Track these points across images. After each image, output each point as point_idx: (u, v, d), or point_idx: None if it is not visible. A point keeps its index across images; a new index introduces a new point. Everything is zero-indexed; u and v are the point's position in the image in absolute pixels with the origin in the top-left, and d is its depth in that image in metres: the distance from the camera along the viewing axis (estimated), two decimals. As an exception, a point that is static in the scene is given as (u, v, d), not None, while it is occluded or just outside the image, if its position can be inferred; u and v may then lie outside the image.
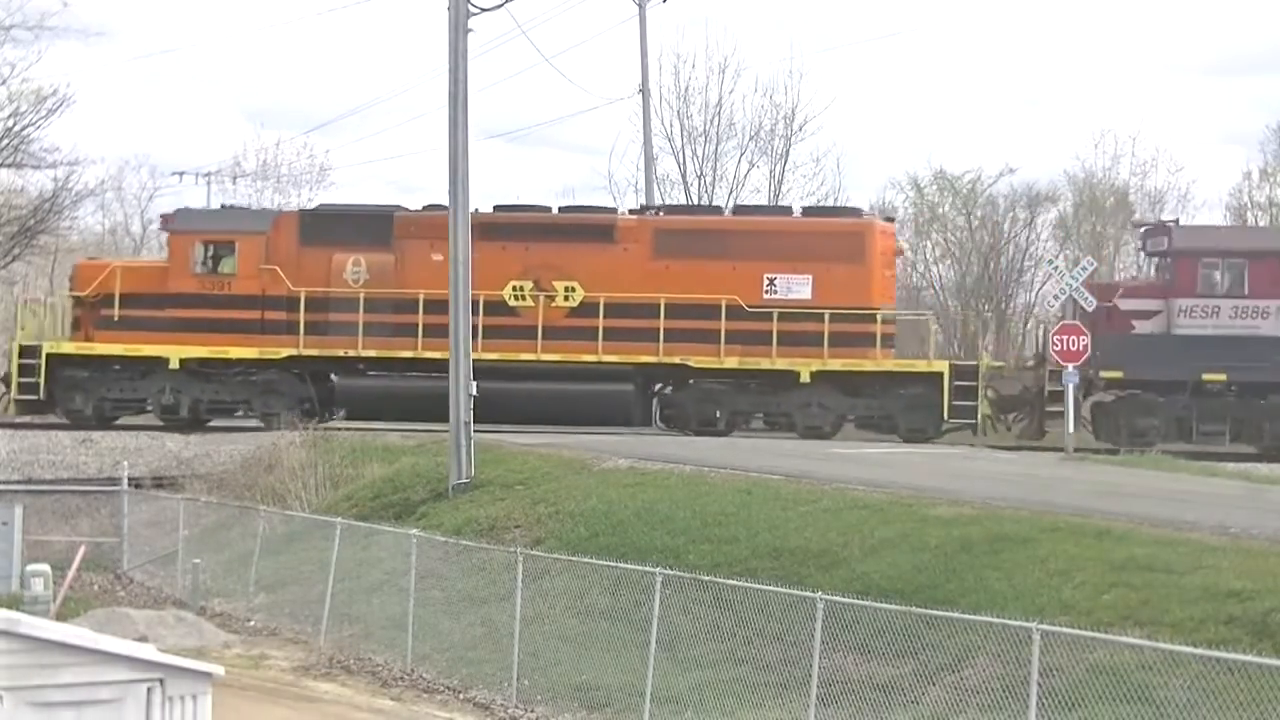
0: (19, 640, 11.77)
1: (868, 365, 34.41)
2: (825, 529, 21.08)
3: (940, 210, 58.17)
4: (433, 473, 28.44)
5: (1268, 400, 33.76)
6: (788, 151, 56.59)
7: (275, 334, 35.36)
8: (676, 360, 34.57)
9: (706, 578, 18.96)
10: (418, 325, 34.82)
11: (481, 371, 34.52)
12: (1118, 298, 34.47)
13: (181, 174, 63.22)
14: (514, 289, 34.94)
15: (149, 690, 12.18)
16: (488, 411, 34.07)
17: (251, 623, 25.29)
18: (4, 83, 51.81)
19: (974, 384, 34.23)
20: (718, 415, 35.02)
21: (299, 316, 35.19)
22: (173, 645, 20.44)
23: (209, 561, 27.92)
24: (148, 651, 12.69)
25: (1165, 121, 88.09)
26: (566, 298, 34.95)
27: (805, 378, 34.29)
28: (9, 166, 53.56)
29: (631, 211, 36.94)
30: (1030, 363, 36.42)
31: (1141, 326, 34.17)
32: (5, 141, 52.98)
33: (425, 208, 38.03)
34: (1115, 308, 34.15)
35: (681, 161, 55.95)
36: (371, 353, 35.22)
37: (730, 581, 18.64)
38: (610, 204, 45.95)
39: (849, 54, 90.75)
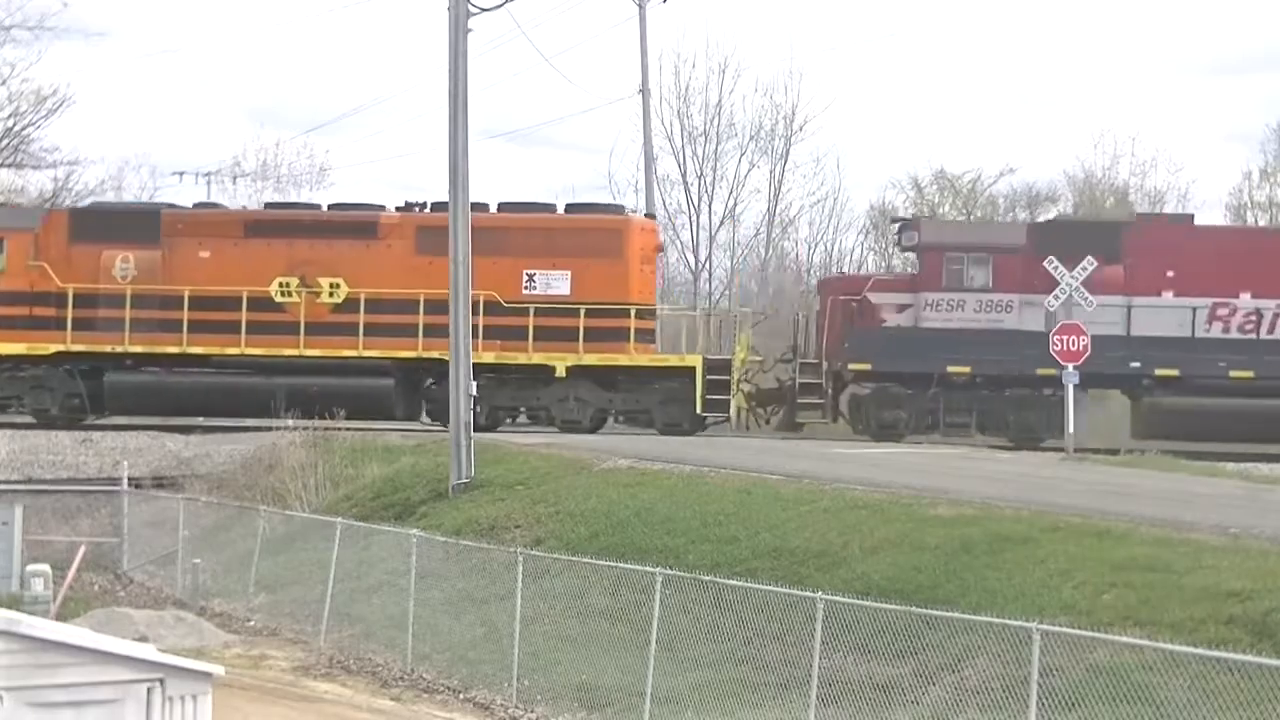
0: (19, 640, 11.77)
1: (622, 360, 34.89)
2: (825, 529, 21.08)
3: (940, 210, 58.23)
4: (433, 473, 28.45)
5: (1011, 392, 34.35)
6: (788, 151, 56.75)
7: (44, 330, 35.54)
8: (436, 355, 34.59)
9: (706, 578, 18.95)
10: (183, 321, 35.21)
11: (246, 366, 35.18)
12: (867, 291, 35.11)
13: (181, 174, 63.33)
14: (280, 285, 35.37)
15: (149, 690, 12.19)
16: (253, 405, 34.84)
17: (251, 623, 25.30)
18: (4, 83, 51.95)
19: (727, 378, 34.71)
20: (478, 410, 35.20)
21: (67, 313, 35.36)
22: (173, 645, 20.45)
23: (209, 561, 27.94)
24: (148, 651, 12.70)
25: (1165, 121, 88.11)
26: (331, 294, 35.38)
27: (561, 372, 34.80)
28: (9, 166, 53.66)
29: (397, 209, 37.44)
30: (785, 356, 36.80)
31: (892, 320, 34.76)
32: (5, 141, 53.06)
33: (195, 205, 38.72)
34: (867, 301, 34.78)
35: (681, 161, 56.07)
36: (138, 348, 35.47)
37: (730, 581, 18.63)
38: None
39: (849, 54, 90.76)
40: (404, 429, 35.21)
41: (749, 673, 18.02)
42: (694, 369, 34.73)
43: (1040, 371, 33.88)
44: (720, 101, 56.05)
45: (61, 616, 23.80)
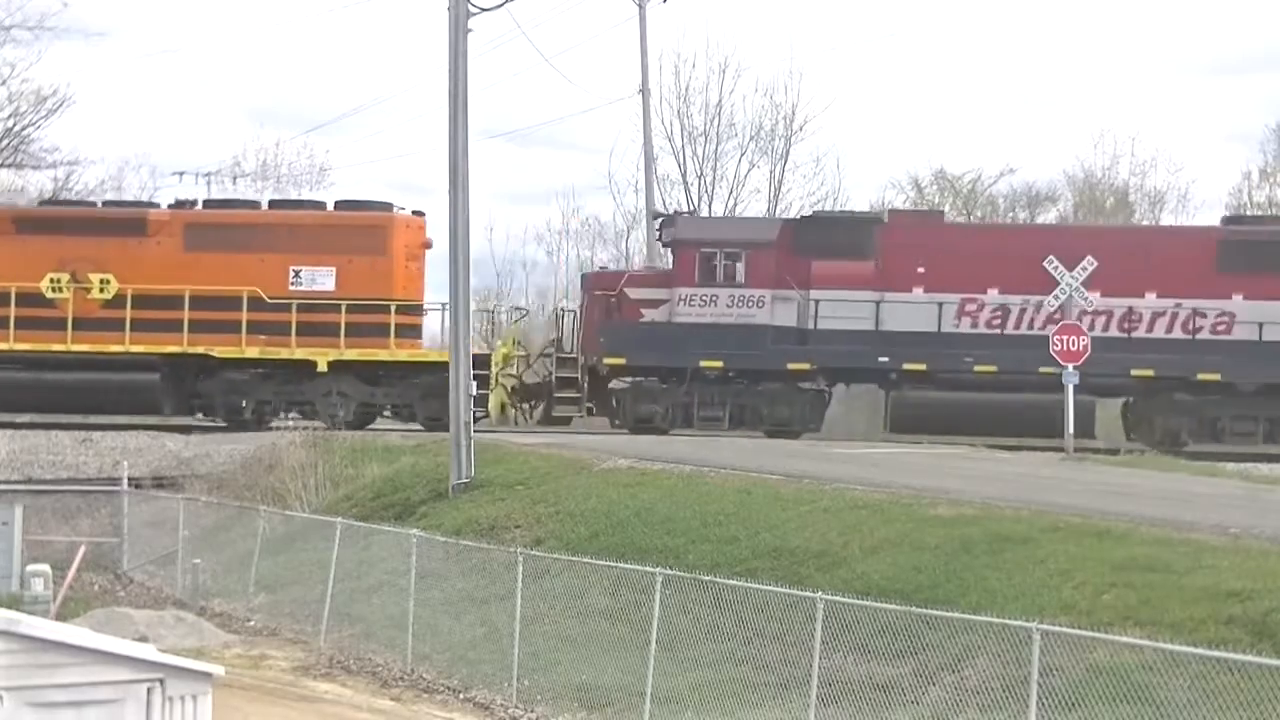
0: (19, 640, 11.78)
1: (382, 355, 35.38)
2: (825, 529, 21.08)
3: (940, 210, 58.20)
4: (433, 473, 28.45)
5: (764, 386, 34.85)
6: (788, 152, 56.61)
7: None
8: (201, 350, 35.33)
9: (706, 578, 18.95)
10: None
11: (15, 361, 35.53)
12: (624, 286, 35.72)
13: (181, 174, 63.04)
14: (51, 281, 35.74)
15: (149, 690, 12.20)
16: (19, 401, 35.41)
17: (251, 623, 25.30)
18: (4, 83, 51.98)
19: (486, 373, 35.05)
20: (244, 404, 35.83)
21: None
22: (173, 645, 20.45)
23: (209, 561, 27.94)
24: (148, 651, 12.71)
25: (1165, 121, 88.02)
26: (101, 290, 35.74)
27: (323, 367, 35.21)
28: (9, 166, 53.68)
29: (169, 206, 38.10)
30: (547, 351, 37.20)
31: (650, 314, 35.14)
32: (5, 141, 53.09)
33: None
34: (624, 296, 35.36)
35: (681, 161, 55.98)
36: None
37: (730, 581, 18.63)
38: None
39: (849, 54, 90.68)
40: (404, 429, 35.24)
41: (749, 673, 18.02)
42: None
43: (791, 366, 34.64)
44: (720, 101, 56.00)
45: (61, 616, 23.79)
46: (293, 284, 35.44)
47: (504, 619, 20.93)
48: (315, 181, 64.40)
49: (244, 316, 35.08)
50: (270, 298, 35.10)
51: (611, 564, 20.67)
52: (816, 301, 34.41)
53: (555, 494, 25.58)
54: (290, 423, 33.90)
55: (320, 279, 35.44)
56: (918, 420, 34.44)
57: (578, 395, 35.68)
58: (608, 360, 35.16)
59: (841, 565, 19.72)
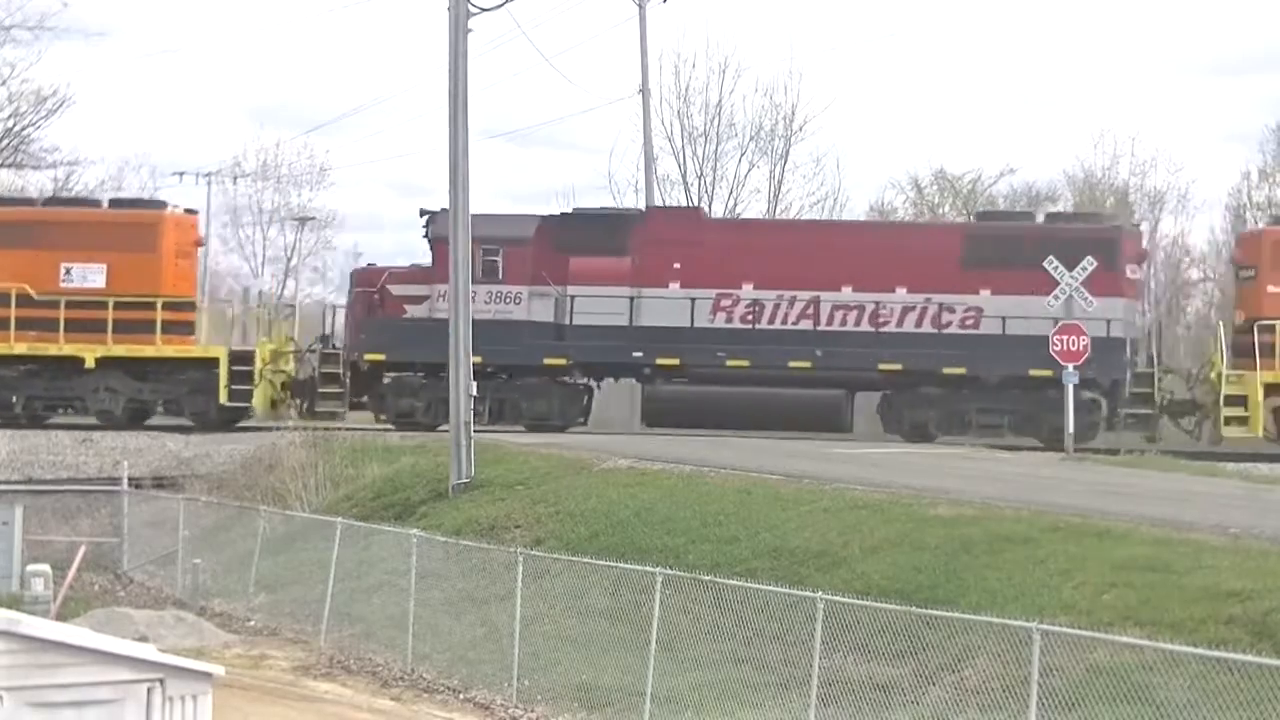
0: (19, 640, 11.78)
1: (148, 351, 35.70)
2: (825, 529, 21.08)
3: (940, 210, 58.22)
4: (433, 473, 28.45)
5: (522, 381, 35.40)
6: (788, 152, 56.58)
7: None
8: None
9: (706, 578, 18.95)
10: None
11: None
12: (385, 282, 36.23)
13: (181, 174, 63.18)
14: None
15: (149, 690, 12.20)
16: None
17: (251, 623, 25.30)
18: (4, 83, 52.07)
19: (251, 369, 35.44)
20: (14, 401, 36.00)
21: None
22: (173, 645, 20.44)
23: (209, 561, 27.94)
24: (148, 651, 12.71)
25: (1165, 121, 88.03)
26: None
27: (90, 363, 35.48)
28: (9, 166, 53.75)
29: None
30: (313, 347, 37.44)
31: (412, 310, 35.54)
32: (5, 141, 53.16)
33: None
34: (387, 292, 35.94)
35: (681, 162, 55.93)
36: None
37: (730, 581, 18.63)
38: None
39: (849, 54, 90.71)
40: (395, 430, 35.22)
41: (749, 673, 18.02)
42: (216, 360, 35.54)
43: (548, 361, 35.10)
44: (720, 101, 55.94)
45: (61, 616, 23.79)
46: (63, 281, 35.82)
47: (504, 619, 20.93)
48: (315, 181, 64.58)
49: (12, 313, 35.37)
50: (39, 294, 35.39)
51: (611, 564, 20.67)
52: (573, 298, 35.04)
53: (555, 494, 25.58)
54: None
55: (91, 276, 35.88)
56: (670, 414, 35.02)
57: (341, 391, 35.92)
58: (368, 356, 35.69)
59: (841, 565, 19.72)
